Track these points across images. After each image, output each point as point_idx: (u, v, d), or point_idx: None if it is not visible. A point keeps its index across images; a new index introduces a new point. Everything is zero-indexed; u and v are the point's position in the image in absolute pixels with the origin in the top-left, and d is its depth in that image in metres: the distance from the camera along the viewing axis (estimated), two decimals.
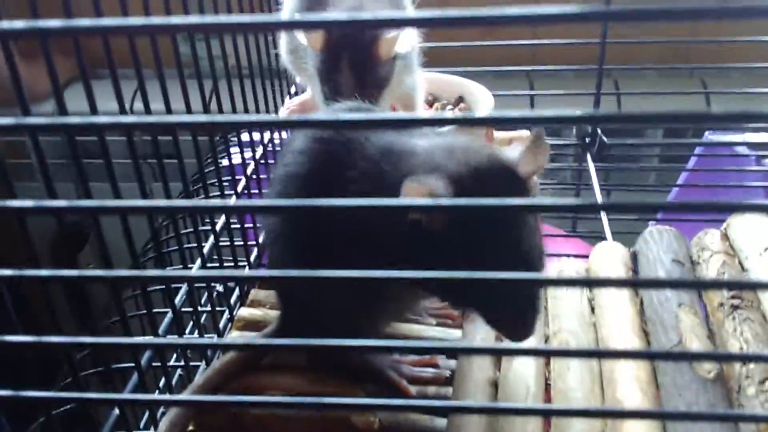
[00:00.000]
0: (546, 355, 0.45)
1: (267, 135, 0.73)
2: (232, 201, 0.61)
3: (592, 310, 0.50)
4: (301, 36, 0.61)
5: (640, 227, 0.93)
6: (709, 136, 0.93)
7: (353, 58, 0.58)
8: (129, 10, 0.45)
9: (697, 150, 0.91)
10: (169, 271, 0.33)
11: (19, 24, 0.23)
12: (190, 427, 0.48)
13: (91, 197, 0.42)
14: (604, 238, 0.70)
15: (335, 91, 0.59)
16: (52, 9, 0.37)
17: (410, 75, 0.67)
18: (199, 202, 0.45)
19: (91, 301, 0.47)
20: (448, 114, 0.74)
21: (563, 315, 0.50)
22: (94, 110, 0.39)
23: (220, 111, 0.62)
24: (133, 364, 0.44)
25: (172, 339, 0.47)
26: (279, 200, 0.44)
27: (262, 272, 0.60)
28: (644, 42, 1.05)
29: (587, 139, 0.87)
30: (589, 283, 0.37)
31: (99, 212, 0.27)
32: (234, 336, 0.56)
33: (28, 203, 0.25)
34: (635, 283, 0.40)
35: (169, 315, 0.49)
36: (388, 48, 0.58)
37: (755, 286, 0.37)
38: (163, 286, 0.50)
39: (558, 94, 0.99)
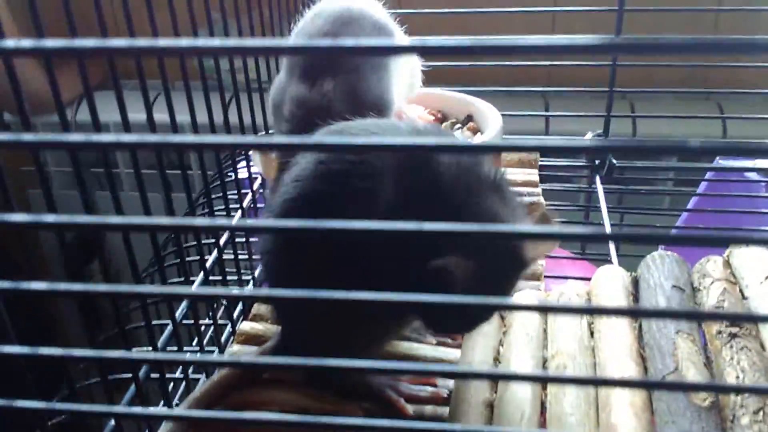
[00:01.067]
0: (543, 381, 0.45)
1: None
2: (237, 216, 0.62)
3: (591, 333, 0.50)
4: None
5: (648, 250, 0.92)
6: (720, 161, 0.92)
7: None
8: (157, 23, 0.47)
9: (708, 175, 0.90)
10: (169, 287, 0.33)
11: (26, 43, 0.24)
12: None
13: (95, 210, 0.43)
14: (610, 261, 0.70)
15: None
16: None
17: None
18: (202, 221, 0.45)
19: (100, 309, 0.48)
20: (458, 136, 0.74)
21: (562, 338, 0.50)
22: (96, 125, 0.40)
23: (240, 122, 0.63)
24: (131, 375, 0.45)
25: (170, 354, 0.48)
26: (286, 221, 0.45)
27: (263, 292, 0.60)
28: (657, 65, 1.04)
29: (596, 161, 0.87)
30: (581, 311, 0.37)
31: (100, 228, 0.28)
32: (235, 350, 0.56)
33: (25, 218, 0.26)
34: (628, 312, 0.40)
35: (169, 328, 0.49)
36: None
37: (750, 319, 0.37)
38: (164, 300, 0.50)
39: (571, 115, 0.99)
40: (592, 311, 0.31)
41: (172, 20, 0.54)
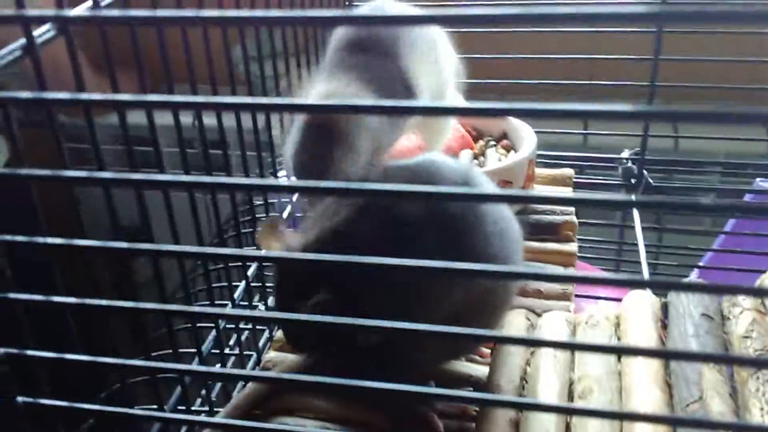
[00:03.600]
0: (566, 413, 0.46)
1: None
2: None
3: (619, 358, 0.51)
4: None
5: (683, 272, 0.92)
6: (760, 183, 0.92)
7: None
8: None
9: (746, 197, 0.90)
10: (197, 308, 0.35)
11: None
12: None
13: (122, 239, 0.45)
14: None
15: None
16: None
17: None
18: (228, 251, 0.48)
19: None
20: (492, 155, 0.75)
21: (589, 361, 0.51)
22: (152, 125, 0.42)
23: (268, 129, 0.66)
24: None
25: (210, 368, 0.50)
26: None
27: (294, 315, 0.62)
28: (697, 59, 1.00)
29: (632, 180, 0.87)
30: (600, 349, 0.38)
31: (130, 253, 0.30)
32: (271, 356, 0.58)
33: (57, 241, 0.28)
34: (650, 353, 0.41)
35: (213, 334, 0.52)
36: None
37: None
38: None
39: (605, 134, 0.99)
40: (607, 350, 0.32)
41: (222, 31, 0.57)
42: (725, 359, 0.35)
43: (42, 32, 0.34)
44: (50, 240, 0.28)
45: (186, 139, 0.53)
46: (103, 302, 0.31)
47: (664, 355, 0.37)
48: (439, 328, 0.27)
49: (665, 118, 0.22)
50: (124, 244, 0.28)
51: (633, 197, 0.85)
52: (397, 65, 0.60)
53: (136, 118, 0.55)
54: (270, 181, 0.66)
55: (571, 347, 0.33)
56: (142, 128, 0.49)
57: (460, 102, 0.70)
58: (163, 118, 0.49)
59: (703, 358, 0.36)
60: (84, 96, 0.28)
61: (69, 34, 0.34)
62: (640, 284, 0.24)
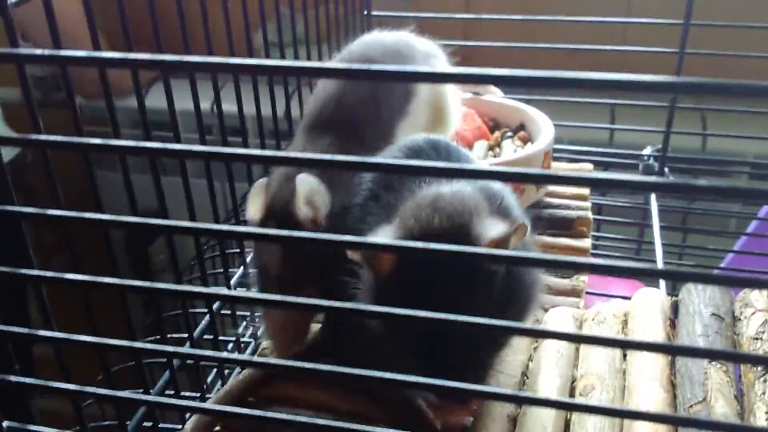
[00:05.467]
0: (565, 408, 0.45)
1: None
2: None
3: (624, 356, 0.49)
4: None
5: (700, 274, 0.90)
6: None
7: None
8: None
9: None
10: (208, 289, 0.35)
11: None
12: (217, 428, 0.50)
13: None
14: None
15: None
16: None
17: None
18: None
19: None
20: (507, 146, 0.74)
21: (593, 358, 0.49)
22: (171, 107, 0.42)
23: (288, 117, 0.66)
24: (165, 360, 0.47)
25: (203, 351, 0.49)
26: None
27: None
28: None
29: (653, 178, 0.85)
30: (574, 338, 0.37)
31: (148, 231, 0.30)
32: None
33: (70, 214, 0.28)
34: (624, 344, 0.39)
35: (206, 319, 0.51)
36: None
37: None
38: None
39: (627, 129, 0.96)
40: (603, 342, 0.31)
41: (243, 13, 0.57)
42: (725, 355, 0.34)
43: None
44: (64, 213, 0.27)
45: (205, 125, 0.53)
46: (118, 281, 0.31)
47: (664, 349, 0.36)
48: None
49: (691, 89, 0.21)
50: (139, 219, 0.27)
51: (653, 196, 0.83)
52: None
53: (156, 101, 0.55)
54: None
55: (565, 338, 0.32)
56: (162, 113, 0.49)
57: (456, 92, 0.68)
58: (182, 104, 0.49)
59: (703, 353, 0.34)
60: (97, 54, 0.28)
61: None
62: (647, 273, 0.23)
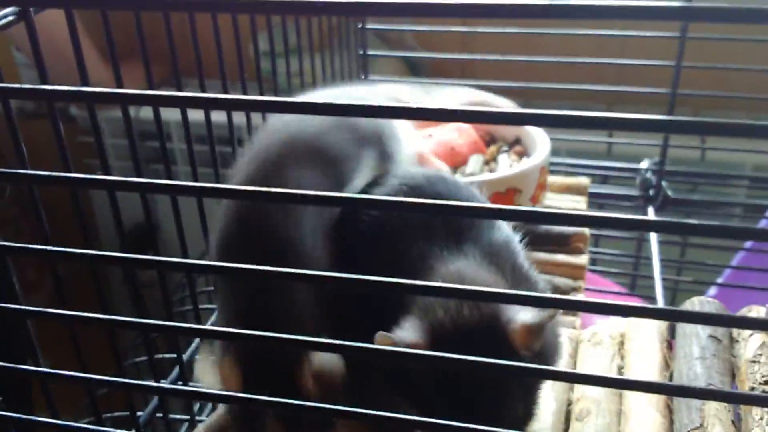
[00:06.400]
0: None
1: None
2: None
3: None
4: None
5: (701, 288, 0.89)
6: None
7: None
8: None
9: None
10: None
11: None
12: None
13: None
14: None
15: None
16: None
17: None
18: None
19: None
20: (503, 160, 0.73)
21: None
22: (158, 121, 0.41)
23: None
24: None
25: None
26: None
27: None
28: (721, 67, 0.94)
29: (650, 192, 0.84)
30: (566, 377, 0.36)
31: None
32: None
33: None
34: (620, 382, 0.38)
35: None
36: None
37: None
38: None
39: (628, 143, 0.96)
40: (596, 381, 0.30)
41: (233, 24, 0.56)
42: (721, 396, 0.33)
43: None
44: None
45: (195, 135, 0.52)
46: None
47: (661, 389, 0.35)
48: None
49: (687, 129, 0.20)
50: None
51: (650, 209, 0.82)
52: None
53: (147, 112, 0.54)
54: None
55: (556, 377, 0.31)
56: (153, 123, 0.48)
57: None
58: (172, 114, 0.48)
59: (703, 394, 0.34)
60: (86, 89, 0.27)
61: (30, 19, 0.33)
62: (637, 312, 0.21)
